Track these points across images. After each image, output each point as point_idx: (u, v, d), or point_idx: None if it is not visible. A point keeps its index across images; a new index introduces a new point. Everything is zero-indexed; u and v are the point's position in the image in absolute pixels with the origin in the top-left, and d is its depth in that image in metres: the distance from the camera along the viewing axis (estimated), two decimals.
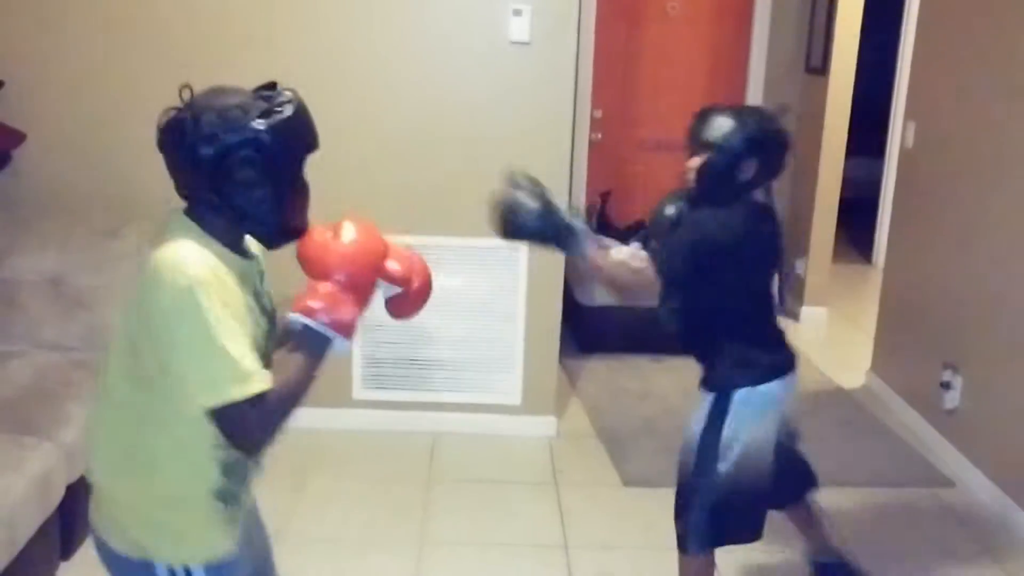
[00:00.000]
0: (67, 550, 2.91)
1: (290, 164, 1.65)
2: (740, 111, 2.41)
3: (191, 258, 1.54)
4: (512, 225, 2.31)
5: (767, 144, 2.38)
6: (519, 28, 3.65)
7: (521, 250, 3.82)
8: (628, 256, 5.28)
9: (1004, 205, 3.54)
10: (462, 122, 3.71)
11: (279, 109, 1.60)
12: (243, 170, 1.58)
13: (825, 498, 3.47)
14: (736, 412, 2.39)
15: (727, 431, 2.39)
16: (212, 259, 1.57)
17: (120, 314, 1.66)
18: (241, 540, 1.74)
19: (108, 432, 1.68)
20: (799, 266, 5.74)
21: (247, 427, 1.55)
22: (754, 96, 5.95)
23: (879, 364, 4.62)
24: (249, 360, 1.53)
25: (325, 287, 1.61)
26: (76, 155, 3.67)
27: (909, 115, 4.45)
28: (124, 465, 1.66)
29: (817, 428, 4.11)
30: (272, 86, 1.67)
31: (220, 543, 1.70)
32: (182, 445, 1.62)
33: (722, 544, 2.54)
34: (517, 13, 3.63)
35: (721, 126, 2.36)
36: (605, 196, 5.66)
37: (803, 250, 5.69)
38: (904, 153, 4.50)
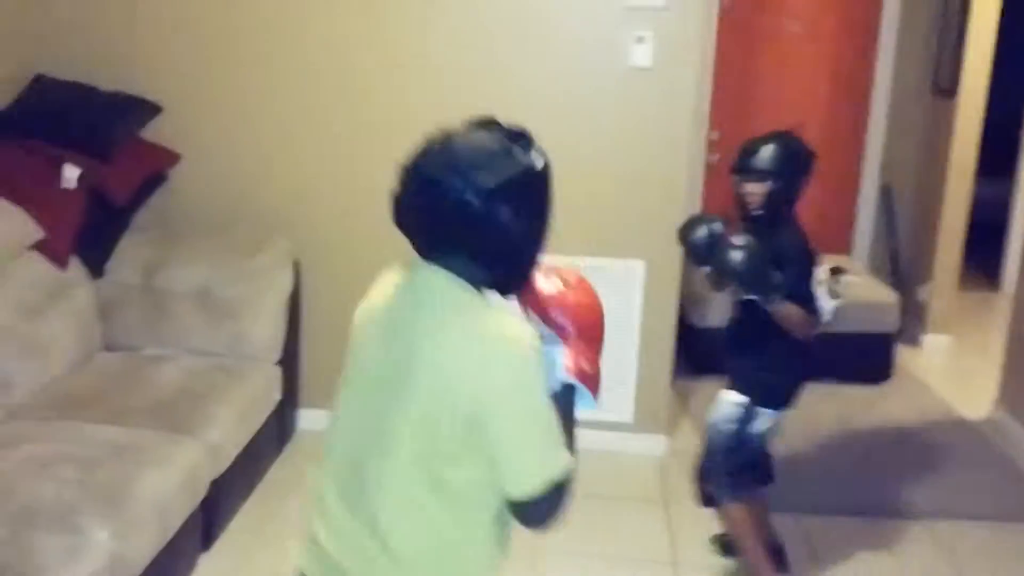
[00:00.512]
0: (207, 542, 3.15)
1: (550, 199, 1.61)
2: (780, 137, 2.82)
3: (521, 329, 1.47)
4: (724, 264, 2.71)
5: (810, 163, 2.82)
6: (642, 54, 3.75)
7: (637, 270, 3.91)
8: None
9: None
10: (583, 145, 3.83)
11: (530, 145, 1.58)
12: (518, 202, 1.52)
13: (946, 532, 3.46)
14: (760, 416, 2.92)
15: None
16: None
17: (406, 399, 1.52)
18: None
19: (398, 522, 1.56)
20: (923, 291, 5.62)
21: (559, 506, 1.51)
22: (878, 117, 5.88)
23: (1007, 395, 4.50)
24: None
25: (590, 346, 1.63)
26: (225, 176, 3.95)
27: None
28: (425, 558, 1.57)
29: (939, 460, 4.06)
30: (495, 123, 1.62)
31: None
32: (477, 526, 1.57)
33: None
34: (640, 40, 3.74)
35: (775, 154, 2.76)
36: (722, 218, 5.68)
37: (927, 275, 5.57)
38: None
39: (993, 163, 6.37)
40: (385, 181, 4.46)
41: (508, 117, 4.13)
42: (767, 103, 5.94)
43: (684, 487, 3.80)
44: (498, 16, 3.77)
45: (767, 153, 2.76)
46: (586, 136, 3.83)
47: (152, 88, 3.84)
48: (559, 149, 3.80)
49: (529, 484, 1.49)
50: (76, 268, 3.53)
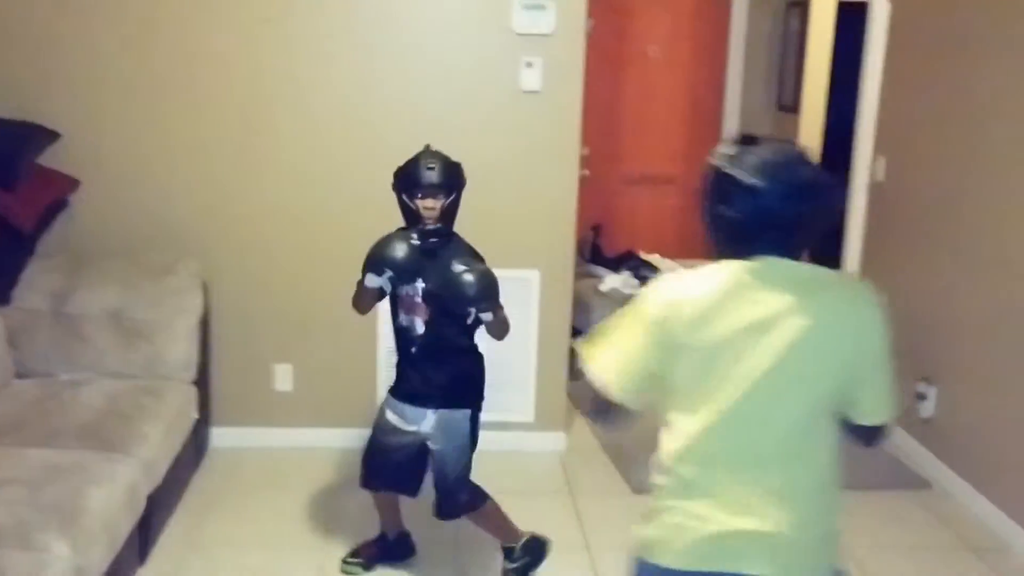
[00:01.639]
0: (143, 555, 3.22)
1: None
2: (439, 155, 3.06)
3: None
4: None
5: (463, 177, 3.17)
6: (531, 78, 4.04)
7: (533, 279, 4.19)
8: (620, 284, 5.66)
9: (969, 230, 3.98)
10: (480, 164, 4.07)
11: None
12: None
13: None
14: None
15: None
16: None
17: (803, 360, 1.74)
18: None
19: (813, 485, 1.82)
20: None
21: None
22: (730, 131, 6.40)
23: None
24: None
25: None
26: (127, 200, 3.98)
27: (879, 150, 4.89)
28: (829, 501, 1.85)
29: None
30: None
31: None
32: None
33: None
34: (529, 65, 4.02)
35: (445, 171, 3.03)
36: (596, 228, 6.06)
37: None
38: (875, 186, 4.93)
39: (832, 172, 7.01)
40: (288, 200, 4.65)
41: (412, 138, 4.35)
42: (631, 121, 6.38)
43: (586, 478, 4.12)
44: (399, 45, 3.98)
45: (441, 170, 2.95)
46: (482, 155, 4.06)
47: (48, 114, 3.85)
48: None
49: (890, 410, 1.84)
50: None
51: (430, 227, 2.91)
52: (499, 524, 3.28)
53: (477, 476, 4.17)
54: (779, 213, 1.76)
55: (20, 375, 3.58)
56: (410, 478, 3.18)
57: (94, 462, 2.91)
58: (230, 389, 4.16)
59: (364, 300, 3.05)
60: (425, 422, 3.07)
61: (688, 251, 6.19)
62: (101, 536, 2.67)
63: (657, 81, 6.37)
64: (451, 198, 2.96)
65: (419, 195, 2.91)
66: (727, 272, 1.82)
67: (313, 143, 4.02)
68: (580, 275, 5.22)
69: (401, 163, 3.01)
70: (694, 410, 1.81)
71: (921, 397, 4.23)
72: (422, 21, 3.98)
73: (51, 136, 3.84)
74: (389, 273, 2.88)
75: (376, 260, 2.86)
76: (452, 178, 2.96)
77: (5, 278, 3.65)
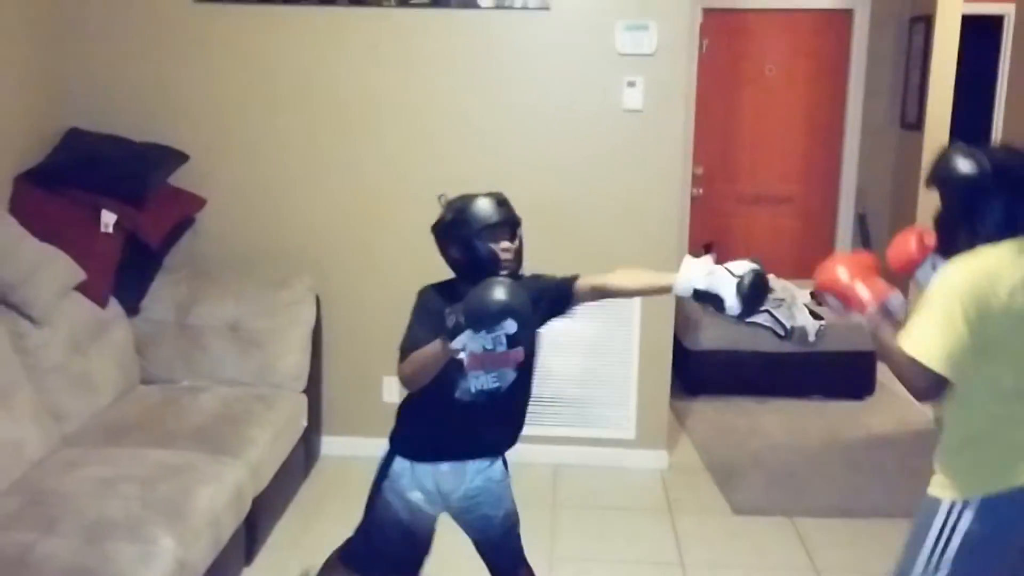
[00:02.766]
0: (249, 557, 3.38)
1: None
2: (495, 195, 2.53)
3: None
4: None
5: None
6: (633, 97, 4.07)
7: (635, 299, 4.19)
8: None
9: None
10: (583, 183, 4.14)
11: None
12: None
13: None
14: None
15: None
16: None
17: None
18: None
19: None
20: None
21: None
22: (851, 150, 6.25)
23: None
24: None
25: None
26: (248, 218, 4.23)
27: None
28: None
29: (921, 466, 4.29)
30: None
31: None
32: None
33: None
34: (631, 84, 4.06)
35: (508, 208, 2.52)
36: (708, 247, 6.00)
37: (904, 296, 5.89)
38: None
39: None
40: (397, 221, 4.79)
41: (519, 157, 4.43)
42: (747, 140, 6.32)
43: (686, 497, 4.09)
44: (504, 67, 4.10)
45: (508, 206, 2.52)
46: (585, 174, 4.14)
47: (179, 138, 4.12)
48: (561, 188, 4.16)
49: None
50: (114, 307, 3.78)
51: (510, 270, 2.46)
52: None
53: (578, 493, 4.20)
54: None
55: (145, 381, 3.83)
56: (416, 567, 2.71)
57: (204, 463, 3.09)
58: (340, 399, 4.33)
59: (434, 369, 2.33)
60: (458, 489, 2.57)
61: (803, 271, 6.06)
62: (206, 533, 2.83)
63: (775, 100, 6.29)
64: (519, 236, 2.53)
65: (495, 237, 2.44)
66: (1013, 249, 2.16)
67: (422, 163, 4.16)
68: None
69: (455, 205, 2.51)
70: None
71: None
72: (527, 42, 4.08)
73: (181, 158, 4.11)
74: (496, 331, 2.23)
75: (494, 313, 2.17)
76: (515, 214, 2.53)
77: (135, 290, 3.91)
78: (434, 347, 2.26)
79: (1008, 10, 6.11)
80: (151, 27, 4.13)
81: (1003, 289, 2.11)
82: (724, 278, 2.28)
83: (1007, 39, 6.24)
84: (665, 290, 2.47)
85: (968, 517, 2.21)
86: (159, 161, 4.04)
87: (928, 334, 2.12)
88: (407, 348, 2.36)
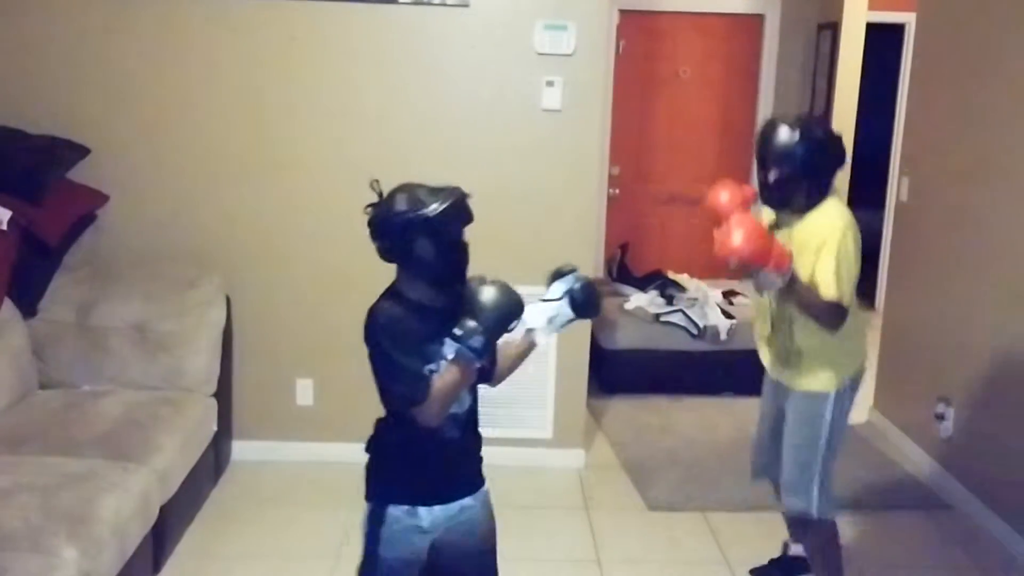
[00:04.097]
0: (157, 566, 3.26)
1: None
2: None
3: None
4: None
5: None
6: (551, 97, 4.07)
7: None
8: (646, 303, 5.62)
9: (989, 251, 3.92)
10: (502, 182, 4.11)
11: None
12: None
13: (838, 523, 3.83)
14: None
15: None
16: None
17: None
18: None
19: None
20: None
21: None
22: None
23: (880, 400, 4.96)
24: None
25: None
26: (153, 215, 4.08)
27: (903, 171, 4.84)
28: None
29: None
30: None
31: None
32: None
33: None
34: (550, 84, 4.06)
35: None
36: (624, 247, 6.06)
37: None
38: (899, 206, 4.89)
39: (867, 196, 6.95)
40: (311, 217, 4.71)
41: (435, 156, 4.40)
42: (662, 141, 6.39)
43: (602, 494, 4.11)
44: (421, 65, 4.04)
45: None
46: (503, 173, 4.11)
47: (79, 131, 3.95)
48: (480, 186, 4.09)
49: None
50: (9, 308, 3.59)
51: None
52: None
53: (496, 493, 4.19)
54: None
55: (44, 385, 3.66)
56: None
57: (108, 471, 2.97)
58: (252, 403, 4.22)
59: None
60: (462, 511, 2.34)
61: (715, 271, 6.17)
62: (111, 543, 2.72)
63: (689, 102, 6.38)
64: None
65: (461, 230, 2.30)
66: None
67: (336, 162, 4.08)
68: (606, 293, 5.22)
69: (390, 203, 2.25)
70: None
71: (940, 417, 4.16)
72: (445, 41, 4.03)
73: (81, 151, 3.94)
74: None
75: (518, 314, 2.14)
76: None
77: (32, 290, 3.74)
78: (458, 373, 2.08)
79: (909, 19, 6.31)
80: (49, 15, 3.95)
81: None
82: (555, 307, 2.38)
83: (908, 46, 6.45)
84: (531, 347, 2.44)
85: (849, 395, 2.97)
86: (57, 155, 3.87)
87: (841, 279, 2.71)
88: (422, 385, 2.08)
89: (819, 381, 2.93)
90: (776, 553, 3.50)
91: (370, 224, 2.20)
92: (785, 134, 2.77)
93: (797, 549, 3.35)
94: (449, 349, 2.08)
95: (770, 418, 3.18)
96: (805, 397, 2.97)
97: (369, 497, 2.31)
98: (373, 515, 2.29)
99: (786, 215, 2.90)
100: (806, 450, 2.98)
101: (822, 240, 2.75)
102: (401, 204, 2.18)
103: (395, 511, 2.26)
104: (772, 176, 2.82)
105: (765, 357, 3.16)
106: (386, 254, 2.21)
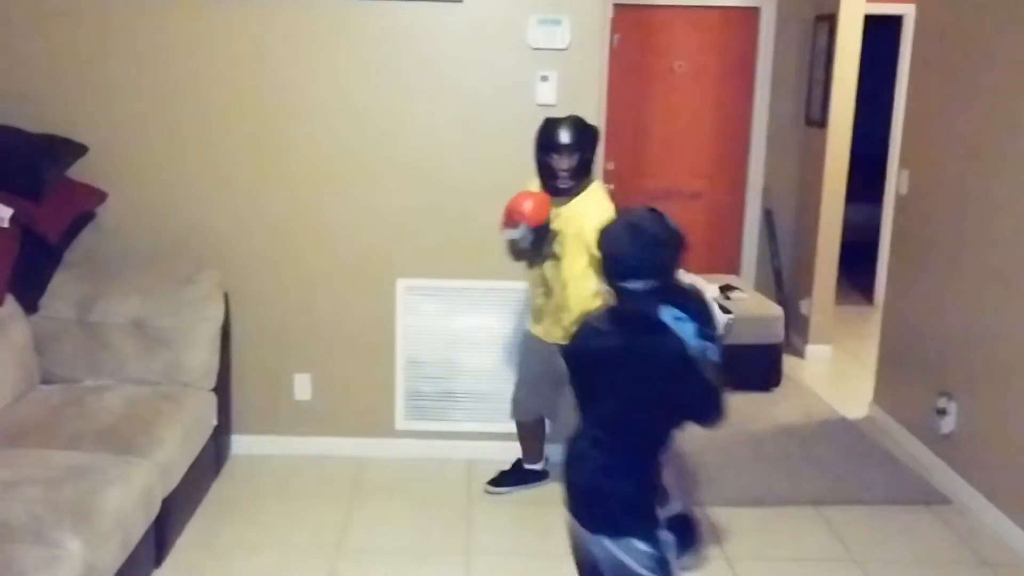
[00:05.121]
0: (159, 558, 3.29)
1: None
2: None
3: None
4: None
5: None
6: (546, 92, 4.09)
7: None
8: None
9: (990, 244, 3.94)
10: (494, 178, 4.13)
11: None
12: None
13: (836, 516, 3.86)
14: None
15: None
16: None
17: None
18: None
19: None
20: (804, 306, 6.12)
21: None
22: (757, 147, 6.38)
23: (880, 395, 4.98)
24: None
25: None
26: (151, 212, 4.10)
27: (903, 164, 4.86)
28: None
29: (825, 455, 4.48)
30: None
31: None
32: None
33: None
34: (544, 79, 4.07)
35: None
36: None
37: (807, 291, 6.07)
38: (899, 199, 4.90)
39: (866, 190, 6.97)
40: (309, 213, 4.71)
41: (430, 150, 4.40)
42: (657, 136, 6.40)
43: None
44: (416, 61, 4.06)
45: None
46: (498, 169, 4.12)
47: (77, 129, 3.97)
48: (473, 183, 4.14)
49: None
50: (11, 304, 3.62)
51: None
52: None
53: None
54: None
55: (45, 381, 3.69)
56: None
57: (111, 464, 2.99)
58: (251, 398, 4.25)
59: None
60: None
61: (711, 266, 6.19)
62: (114, 535, 2.74)
63: (684, 96, 6.38)
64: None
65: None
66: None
67: (332, 157, 4.10)
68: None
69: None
70: None
71: (941, 412, 4.18)
72: (438, 36, 4.05)
73: (79, 150, 3.96)
74: None
75: None
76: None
77: (33, 287, 3.76)
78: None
79: (908, 10, 6.33)
80: (47, 14, 3.98)
81: None
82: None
83: (907, 38, 6.47)
84: None
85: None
86: (56, 153, 3.89)
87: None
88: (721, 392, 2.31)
89: (557, 336, 3.50)
90: (773, 544, 3.52)
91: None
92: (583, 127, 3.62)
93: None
94: (712, 352, 2.26)
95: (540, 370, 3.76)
96: (544, 352, 3.65)
97: (634, 531, 2.32)
98: (654, 541, 2.32)
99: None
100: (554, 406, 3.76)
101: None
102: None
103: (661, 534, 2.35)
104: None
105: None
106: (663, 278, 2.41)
